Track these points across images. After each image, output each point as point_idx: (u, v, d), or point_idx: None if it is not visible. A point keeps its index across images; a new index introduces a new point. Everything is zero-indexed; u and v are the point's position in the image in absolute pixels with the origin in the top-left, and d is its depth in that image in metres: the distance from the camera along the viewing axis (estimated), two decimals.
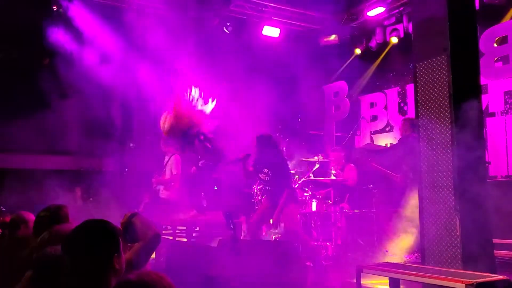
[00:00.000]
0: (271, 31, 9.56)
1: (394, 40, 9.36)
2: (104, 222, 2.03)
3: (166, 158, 7.86)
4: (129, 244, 2.61)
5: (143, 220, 2.73)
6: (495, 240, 4.67)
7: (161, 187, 7.66)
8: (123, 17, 8.07)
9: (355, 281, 4.06)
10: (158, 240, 2.71)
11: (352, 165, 7.83)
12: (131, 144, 8.94)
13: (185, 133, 6.00)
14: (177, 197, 7.70)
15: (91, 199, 8.24)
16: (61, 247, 2.01)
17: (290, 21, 9.95)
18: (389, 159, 7.43)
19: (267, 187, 5.58)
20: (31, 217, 3.44)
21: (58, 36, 7.85)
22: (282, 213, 5.39)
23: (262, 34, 9.53)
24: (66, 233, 2.32)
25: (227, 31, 9.41)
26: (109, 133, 8.55)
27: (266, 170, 5.56)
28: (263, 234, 6.33)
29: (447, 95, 4.56)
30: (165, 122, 5.99)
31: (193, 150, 6.06)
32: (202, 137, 5.96)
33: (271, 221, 6.51)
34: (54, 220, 2.87)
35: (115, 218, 2.68)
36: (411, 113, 8.91)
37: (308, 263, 5.38)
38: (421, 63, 4.85)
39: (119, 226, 2.71)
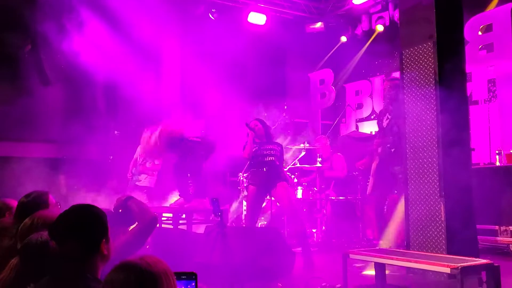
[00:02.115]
0: (257, 18, 9.50)
1: (379, 28, 9.39)
2: (92, 207, 2.00)
3: (140, 149, 7.86)
4: (129, 228, 2.61)
5: (139, 203, 2.78)
6: (478, 226, 4.74)
7: (141, 176, 7.64)
8: (108, 3, 7.92)
9: (341, 266, 4.09)
10: (156, 222, 2.76)
11: (339, 154, 7.86)
12: (115, 132, 8.85)
13: (170, 142, 6.07)
14: (157, 185, 7.71)
15: (75, 187, 8.15)
16: (48, 232, 1.98)
17: (276, 8, 9.90)
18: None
19: (276, 161, 5.66)
20: (15, 204, 3.39)
21: (40, 21, 7.70)
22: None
23: (248, 21, 9.46)
24: (48, 219, 2.29)
25: (212, 18, 9.33)
26: (93, 120, 8.45)
27: (274, 146, 5.78)
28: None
29: (433, 82, 4.60)
30: (149, 142, 6.15)
31: (179, 153, 6.11)
32: (187, 142, 6.02)
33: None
34: (35, 206, 2.82)
35: (100, 206, 2.67)
36: None
37: (295, 250, 5.41)
38: (407, 50, 4.87)
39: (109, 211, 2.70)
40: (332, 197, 7.33)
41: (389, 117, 5.94)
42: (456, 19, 4.82)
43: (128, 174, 7.76)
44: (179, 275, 1.75)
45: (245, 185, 7.19)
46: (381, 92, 9.83)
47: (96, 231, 1.93)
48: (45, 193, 3.01)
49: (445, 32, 4.64)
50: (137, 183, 7.65)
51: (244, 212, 7.27)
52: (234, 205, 7.81)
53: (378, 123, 6.31)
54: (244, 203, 7.27)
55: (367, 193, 6.47)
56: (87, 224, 1.92)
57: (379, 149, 5.92)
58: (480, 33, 7.68)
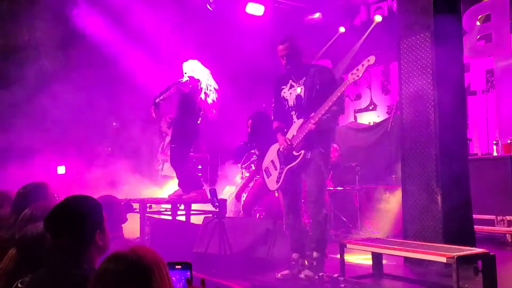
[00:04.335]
0: (255, 9, 9.45)
1: (378, 18, 9.36)
2: (86, 198, 2.00)
3: (168, 138, 7.83)
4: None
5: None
6: (475, 216, 4.77)
7: (165, 165, 7.62)
8: None
9: (338, 256, 4.11)
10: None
11: (335, 145, 7.85)
12: (113, 123, 8.85)
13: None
14: None
15: (74, 171, 8.16)
16: (43, 224, 1.99)
17: None
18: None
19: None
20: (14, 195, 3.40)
21: (39, 12, 7.67)
22: None
23: (245, 12, 9.42)
24: (48, 210, 2.31)
25: (210, 9, 9.28)
26: (93, 112, 8.45)
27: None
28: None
29: (431, 72, 4.59)
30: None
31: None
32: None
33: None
34: (33, 197, 2.84)
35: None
36: (394, 92, 8.96)
37: None
38: (405, 40, 4.87)
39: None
40: (330, 188, 7.34)
41: (294, 84, 4.46)
42: (454, 10, 4.81)
43: (157, 165, 7.75)
44: (173, 265, 1.76)
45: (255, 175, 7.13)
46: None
47: (90, 222, 1.93)
48: (44, 184, 3.03)
49: (443, 22, 4.64)
50: (161, 173, 7.62)
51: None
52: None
53: (276, 94, 4.62)
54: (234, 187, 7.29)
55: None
56: (80, 216, 1.92)
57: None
58: (478, 23, 7.66)
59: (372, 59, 4.03)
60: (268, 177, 4.58)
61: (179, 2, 8.95)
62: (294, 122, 4.40)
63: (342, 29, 10.13)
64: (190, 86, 5.79)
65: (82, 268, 1.84)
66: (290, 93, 4.48)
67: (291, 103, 4.46)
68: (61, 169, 7.71)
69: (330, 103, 4.12)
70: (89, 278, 1.71)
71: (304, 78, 4.41)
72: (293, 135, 4.34)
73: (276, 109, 4.65)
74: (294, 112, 4.42)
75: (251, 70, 9.38)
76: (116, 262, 1.49)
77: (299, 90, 4.39)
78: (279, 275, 4.27)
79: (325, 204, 4.34)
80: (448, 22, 4.68)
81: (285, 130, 4.48)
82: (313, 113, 4.22)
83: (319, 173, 4.27)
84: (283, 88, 4.57)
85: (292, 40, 4.62)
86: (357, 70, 4.09)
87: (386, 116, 9.11)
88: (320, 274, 3.93)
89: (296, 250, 4.40)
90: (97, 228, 1.93)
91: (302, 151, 4.26)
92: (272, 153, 4.58)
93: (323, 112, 4.16)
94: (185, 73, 5.91)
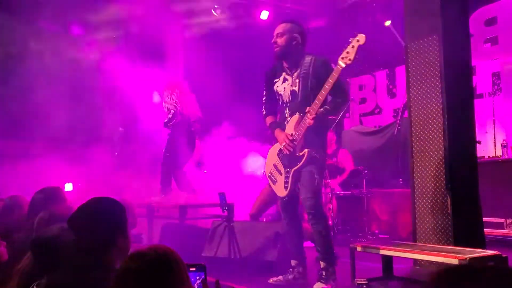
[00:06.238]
0: (261, 14, 9.51)
1: (387, 23, 9.34)
2: (109, 199, 2.01)
3: None
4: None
5: None
6: (484, 219, 4.75)
7: None
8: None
9: (348, 259, 4.10)
10: None
11: (345, 150, 7.85)
12: (120, 128, 8.86)
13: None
14: None
15: (79, 184, 8.17)
16: (67, 224, 2.00)
17: (279, 3, 9.87)
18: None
19: None
20: (25, 200, 3.43)
21: (40, 16, 7.72)
22: None
23: (249, 16, 9.45)
24: (65, 213, 2.32)
25: (215, 14, 9.31)
26: (96, 116, 8.47)
27: None
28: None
29: (438, 75, 4.59)
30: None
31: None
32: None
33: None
34: (49, 201, 2.88)
35: None
36: (400, 96, 8.96)
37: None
38: (412, 44, 4.87)
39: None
40: (338, 192, 7.34)
41: (288, 77, 4.12)
42: (462, 12, 4.81)
43: None
44: (188, 267, 1.77)
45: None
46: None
47: (112, 223, 1.94)
48: (58, 188, 3.06)
49: (451, 25, 4.64)
50: None
51: None
52: None
53: (268, 87, 4.30)
54: None
55: None
56: (103, 216, 1.93)
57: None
58: (484, 26, 7.67)
59: (361, 38, 3.63)
60: (274, 184, 4.22)
61: (183, 6, 8.98)
62: (287, 120, 4.03)
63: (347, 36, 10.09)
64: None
65: (103, 269, 1.84)
66: (284, 88, 4.08)
67: (285, 99, 4.07)
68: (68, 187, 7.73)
69: (325, 93, 3.76)
70: (109, 279, 1.72)
71: (299, 69, 4.03)
72: (292, 133, 3.96)
73: (269, 102, 4.23)
74: (287, 110, 4.05)
75: (256, 74, 9.38)
76: (137, 260, 1.49)
77: (293, 85, 4.02)
78: (271, 280, 4.14)
79: (323, 213, 3.99)
80: (456, 25, 4.69)
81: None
82: (308, 108, 3.84)
83: (311, 180, 3.87)
84: (276, 82, 4.17)
85: (296, 23, 4.22)
86: (348, 53, 3.68)
87: (392, 119, 9.10)
88: (332, 283, 3.88)
89: (295, 257, 4.22)
90: (118, 230, 1.94)
91: (306, 150, 3.90)
92: (272, 156, 4.20)
93: (318, 105, 3.79)
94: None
